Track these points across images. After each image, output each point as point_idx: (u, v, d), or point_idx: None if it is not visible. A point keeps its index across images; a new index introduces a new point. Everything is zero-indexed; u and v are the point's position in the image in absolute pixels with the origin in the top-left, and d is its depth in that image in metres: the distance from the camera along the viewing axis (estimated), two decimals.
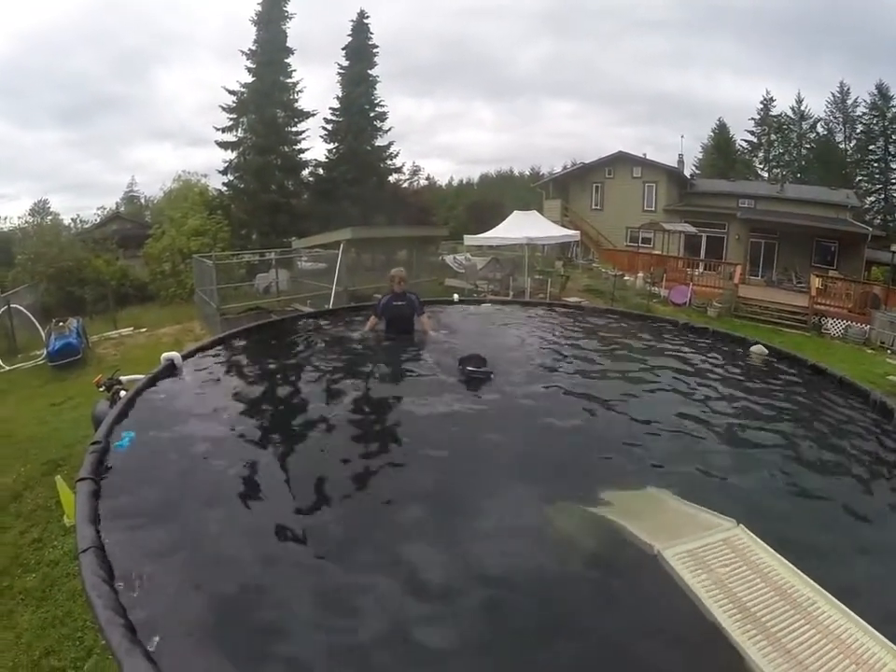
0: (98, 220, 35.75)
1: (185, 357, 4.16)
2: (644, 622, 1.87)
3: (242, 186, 30.49)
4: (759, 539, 2.13)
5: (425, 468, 2.89)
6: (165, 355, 4.04)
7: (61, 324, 13.28)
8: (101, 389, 4.44)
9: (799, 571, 1.94)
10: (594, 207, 32.01)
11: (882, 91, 40.32)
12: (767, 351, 4.92)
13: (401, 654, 1.68)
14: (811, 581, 1.88)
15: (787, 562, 1.99)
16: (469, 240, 20.62)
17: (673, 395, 4.03)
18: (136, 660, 1.44)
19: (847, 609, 1.74)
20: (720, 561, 2.02)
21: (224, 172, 30.79)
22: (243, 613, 1.79)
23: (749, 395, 4.10)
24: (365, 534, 2.31)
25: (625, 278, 22.41)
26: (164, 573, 1.89)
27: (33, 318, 15.15)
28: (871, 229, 26.58)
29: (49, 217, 29.77)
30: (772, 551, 2.06)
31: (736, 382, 4.42)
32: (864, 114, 42.00)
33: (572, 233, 21.98)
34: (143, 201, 52.61)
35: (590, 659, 1.72)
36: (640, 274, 22.69)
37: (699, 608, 1.79)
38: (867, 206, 39.15)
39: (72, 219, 34.02)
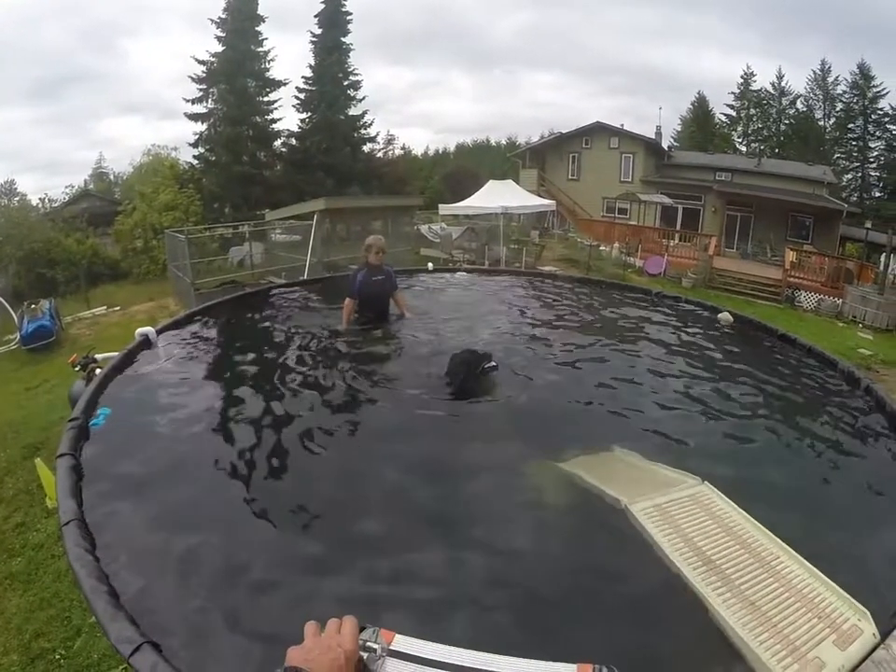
0: (67, 199, 34.81)
1: (160, 332, 4.13)
2: (610, 571, 1.94)
3: (213, 158, 30.02)
4: (724, 496, 2.18)
5: (404, 437, 2.95)
6: (140, 330, 4.02)
7: (33, 306, 13.14)
8: (76, 369, 4.40)
9: (763, 528, 1.98)
10: (570, 177, 31.98)
11: (863, 71, 40.27)
12: (733, 319, 5.05)
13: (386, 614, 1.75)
14: (775, 538, 1.93)
15: (752, 518, 2.04)
16: (445, 209, 20.60)
17: (643, 361, 4.11)
18: (121, 624, 1.49)
19: (810, 566, 1.78)
20: (685, 515, 2.06)
21: (195, 144, 30.31)
22: (222, 577, 1.84)
23: (719, 362, 4.21)
24: (344, 504, 2.36)
25: (601, 248, 22.54)
26: (145, 544, 1.94)
27: (4, 302, 14.89)
28: (846, 205, 26.88)
29: (17, 199, 28.92)
30: (737, 507, 2.11)
31: (707, 349, 4.51)
32: (844, 92, 41.95)
33: (548, 203, 22.05)
34: (112, 177, 51.15)
35: (556, 606, 1.78)
36: (616, 245, 22.85)
37: (664, 560, 1.84)
38: (844, 184, 39.40)
39: (40, 199, 33.18)
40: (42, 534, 5.35)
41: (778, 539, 1.92)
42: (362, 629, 1.02)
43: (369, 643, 1.02)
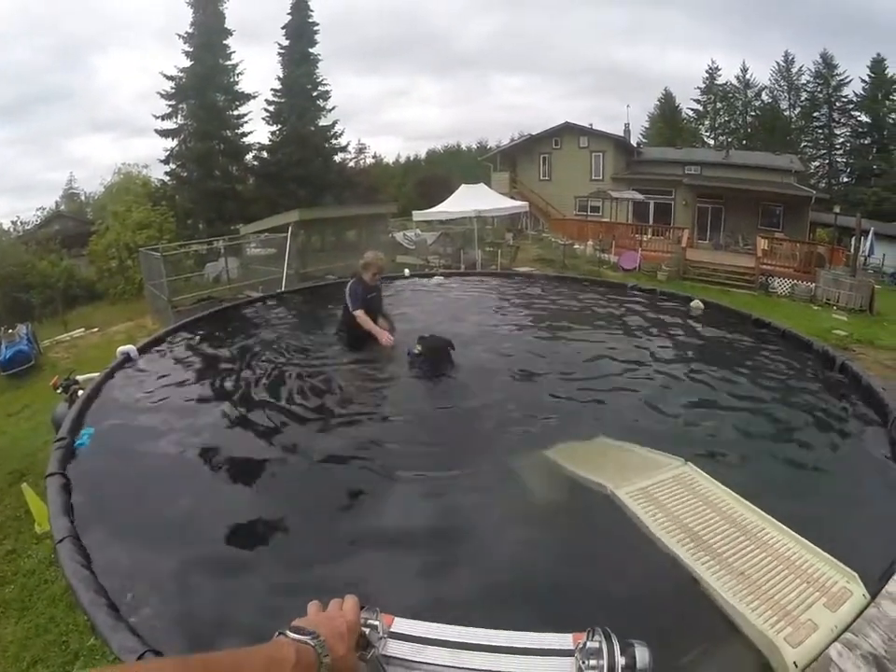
0: (39, 221, 34.33)
1: (141, 351, 4.13)
2: (600, 554, 2.00)
3: (185, 174, 29.84)
4: (707, 475, 2.24)
5: (395, 437, 2.99)
6: (121, 348, 4.02)
7: (10, 331, 12.97)
8: (58, 391, 4.38)
9: (747, 501, 2.04)
10: (542, 178, 32.20)
11: (826, 60, 41.15)
12: (703, 305, 5.25)
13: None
14: (759, 510, 1.98)
15: (735, 494, 2.09)
16: (419, 215, 20.61)
17: (622, 351, 4.19)
18: (122, 634, 1.50)
19: (795, 534, 1.84)
20: (671, 496, 2.12)
21: (166, 161, 30.04)
22: (217, 586, 1.86)
23: (694, 349, 4.33)
24: (335, 507, 2.38)
25: (575, 247, 22.70)
26: (139, 558, 1.94)
27: None
28: (815, 192, 27.45)
29: None
30: (720, 484, 2.16)
31: (682, 337, 4.63)
32: (809, 82, 42.82)
33: (520, 204, 22.16)
34: (83, 197, 50.47)
35: (549, 591, 1.81)
36: (590, 242, 23.03)
37: (653, 540, 1.88)
38: (812, 171, 40.17)
39: (12, 222, 32.66)
40: (33, 560, 5.28)
41: (763, 512, 1.98)
42: (363, 608, 1.05)
43: (370, 621, 1.04)
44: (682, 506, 2.06)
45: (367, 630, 1.02)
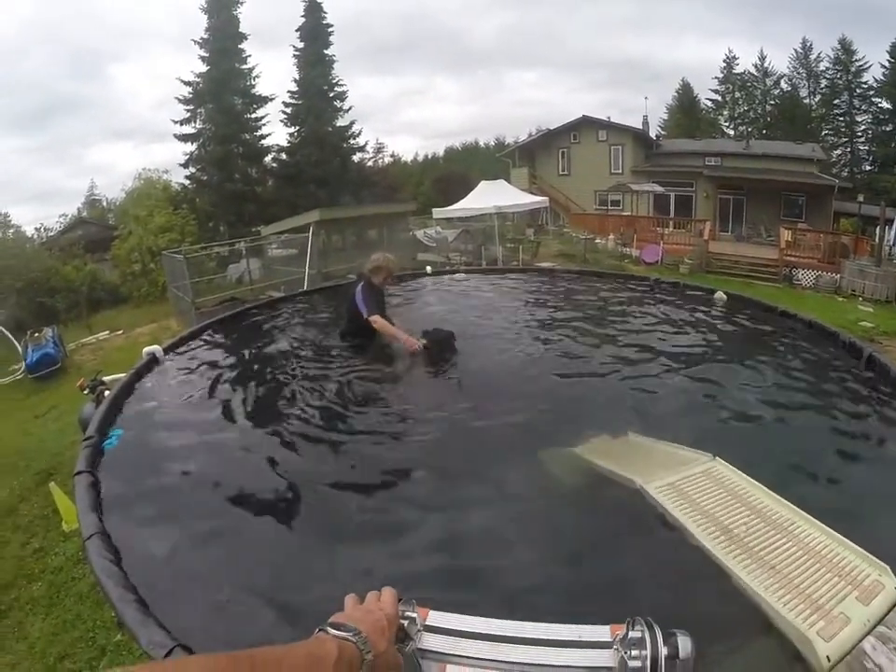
0: (63, 227, 34.92)
1: (166, 351, 4.18)
2: (631, 548, 1.97)
3: (205, 178, 30.19)
4: (736, 469, 2.20)
5: (419, 438, 2.96)
6: (147, 349, 4.06)
7: (36, 335, 13.17)
8: (85, 392, 4.44)
9: (776, 495, 2.00)
10: (561, 173, 32.06)
11: (845, 46, 40.29)
12: (726, 297, 5.21)
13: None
14: (789, 503, 1.94)
15: (764, 487, 2.06)
16: (438, 213, 20.61)
17: (648, 346, 4.14)
18: (151, 629, 1.52)
19: (825, 527, 1.80)
20: (700, 490, 2.09)
21: (185, 165, 30.42)
22: (247, 584, 1.86)
23: (720, 342, 4.26)
24: (364, 504, 2.38)
25: (596, 241, 22.62)
26: (168, 558, 1.97)
27: (6, 333, 14.94)
28: (837, 181, 26.95)
29: (11, 231, 29.04)
30: (749, 478, 2.13)
31: (707, 331, 4.56)
32: (828, 69, 41.92)
33: (540, 200, 22.07)
34: (105, 203, 51.38)
35: (582, 584, 1.81)
36: (611, 236, 22.91)
37: (683, 533, 1.86)
38: (834, 159, 39.36)
39: (35, 229, 33.35)
40: (61, 557, 5.37)
41: (792, 505, 1.94)
42: (400, 601, 1.04)
43: (408, 612, 1.04)
44: (712, 500, 2.03)
45: (405, 622, 1.02)
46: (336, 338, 4.64)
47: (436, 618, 1.14)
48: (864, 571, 1.60)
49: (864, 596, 1.50)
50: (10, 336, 14.71)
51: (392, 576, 1.80)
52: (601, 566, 1.90)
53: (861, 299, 15.99)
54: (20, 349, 13.51)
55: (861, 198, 21.00)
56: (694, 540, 1.83)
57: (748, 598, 1.58)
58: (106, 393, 3.74)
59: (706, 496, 2.06)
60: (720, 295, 5.26)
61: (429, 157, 60.48)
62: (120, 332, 16.03)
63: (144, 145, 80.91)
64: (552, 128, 33.23)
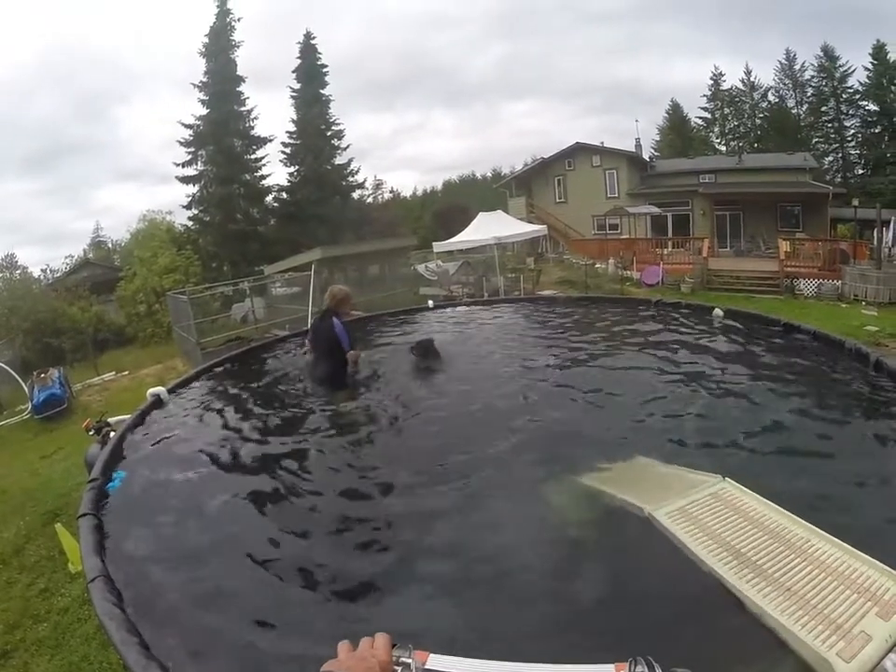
0: (68, 269, 35.33)
1: (170, 392, 4.19)
2: (642, 579, 1.93)
3: (207, 219, 30.52)
4: (747, 490, 2.17)
5: (426, 468, 2.95)
6: (151, 390, 4.08)
7: (42, 376, 13.17)
8: (91, 433, 4.45)
9: (790, 514, 1.96)
10: (558, 200, 32.26)
11: (828, 53, 40.71)
12: (723, 313, 5.29)
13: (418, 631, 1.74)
14: (803, 522, 1.91)
15: (777, 506, 2.02)
16: (439, 246, 20.74)
17: (652, 367, 4.14)
18: None
19: (841, 543, 1.76)
20: (710, 514, 2.05)
21: (188, 206, 30.80)
22: (250, 624, 1.84)
23: (724, 359, 4.22)
24: (369, 538, 2.37)
25: (597, 266, 22.62)
26: (170, 599, 1.95)
27: (13, 373, 14.94)
28: (831, 188, 27.00)
29: (18, 272, 29.41)
30: (761, 498, 2.09)
31: (710, 348, 4.54)
32: (813, 77, 42.32)
33: (539, 228, 22.20)
34: (110, 245, 52.08)
35: (588, 618, 1.78)
36: (611, 260, 22.93)
37: (694, 560, 1.82)
38: (826, 166, 39.57)
39: (42, 270, 33.84)
40: (67, 598, 5.29)
41: (806, 523, 1.90)
42: (395, 646, 1.02)
43: (402, 658, 1.02)
44: (722, 523, 2.00)
45: (399, 669, 1.00)
46: (310, 383, 4.54)
47: (436, 661, 1.12)
48: (884, 586, 1.57)
49: (885, 612, 1.46)
50: (17, 376, 14.74)
51: (388, 612, 1.79)
52: (608, 598, 1.86)
53: (864, 303, 15.93)
54: (26, 390, 13.51)
55: (856, 202, 20.97)
56: (705, 566, 1.79)
57: (763, 623, 1.54)
58: (112, 434, 3.75)
59: (716, 519, 2.03)
60: (717, 311, 5.34)
61: (428, 191, 61.06)
62: (126, 373, 16.05)
63: (148, 186, 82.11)
64: (546, 156, 33.60)
